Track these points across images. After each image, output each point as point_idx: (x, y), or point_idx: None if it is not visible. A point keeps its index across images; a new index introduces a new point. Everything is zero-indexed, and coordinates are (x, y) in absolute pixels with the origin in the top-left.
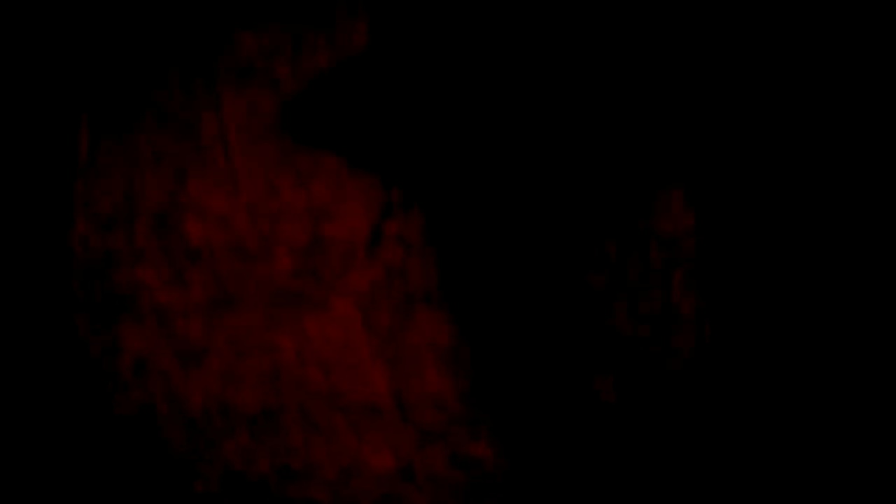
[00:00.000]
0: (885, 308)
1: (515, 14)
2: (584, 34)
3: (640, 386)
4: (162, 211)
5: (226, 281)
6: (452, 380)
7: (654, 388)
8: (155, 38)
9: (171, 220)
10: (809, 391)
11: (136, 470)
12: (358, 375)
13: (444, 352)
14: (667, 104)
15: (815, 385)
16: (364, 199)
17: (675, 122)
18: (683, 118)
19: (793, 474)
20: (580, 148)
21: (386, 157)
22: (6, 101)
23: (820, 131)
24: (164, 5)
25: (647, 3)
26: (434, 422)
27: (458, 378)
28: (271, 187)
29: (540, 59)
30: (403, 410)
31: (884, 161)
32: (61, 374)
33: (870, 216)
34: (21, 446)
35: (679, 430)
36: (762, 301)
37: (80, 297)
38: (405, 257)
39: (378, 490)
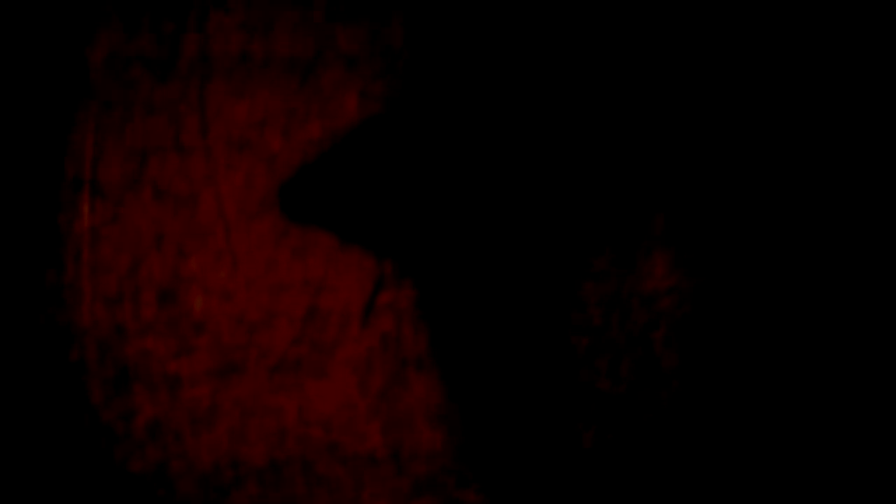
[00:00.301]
0: (872, 358)
1: (502, 86)
2: (566, 99)
3: (619, 436)
4: (166, 286)
5: (230, 350)
6: (443, 435)
7: (632, 438)
8: (148, 108)
9: (176, 295)
10: (792, 437)
11: None
12: (356, 432)
13: (435, 410)
14: (651, 164)
15: (798, 431)
16: (358, 272)
17: (663, 188)
18: (670, 182)
19: None
20: (568, 219)
21: (378, 231)
22: (5, 166)
23: (803, 195)
24: (158, 73)
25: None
26: (427, 472)
27: (449, 434)
28: (269, 262)
29: (528, 126)
30: (398, 462)
31: (866, 216)
32: (73, 438)
33: (850, 269)
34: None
35: (658, 476)
36: (745, 354)
37: (93, 368)
38: (398, 325)
39: None
